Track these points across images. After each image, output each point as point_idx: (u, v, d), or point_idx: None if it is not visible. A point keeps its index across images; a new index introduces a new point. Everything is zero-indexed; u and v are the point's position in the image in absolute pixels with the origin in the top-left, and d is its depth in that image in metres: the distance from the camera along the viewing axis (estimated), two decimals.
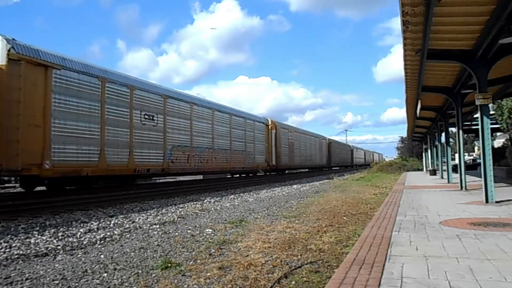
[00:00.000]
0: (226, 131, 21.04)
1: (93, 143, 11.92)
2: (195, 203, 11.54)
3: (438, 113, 17.83)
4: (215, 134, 19.60)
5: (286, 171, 34.05)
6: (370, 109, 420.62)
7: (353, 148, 69.47)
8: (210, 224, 7.44)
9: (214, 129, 19.56)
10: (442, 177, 20.57)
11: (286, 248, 5.04)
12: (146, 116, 14.48)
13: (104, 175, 13.00)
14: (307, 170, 40.97)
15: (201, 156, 18.08)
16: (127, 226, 7.52)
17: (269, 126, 27.43)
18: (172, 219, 8.36)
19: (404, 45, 7.91)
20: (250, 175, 26.40)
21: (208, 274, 4.00)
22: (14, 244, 5.79)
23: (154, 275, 4.11)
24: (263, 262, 4.37)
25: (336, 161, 52.18)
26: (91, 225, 7.53)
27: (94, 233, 6.79)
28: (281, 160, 29.18)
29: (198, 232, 6.59)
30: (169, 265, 4.37)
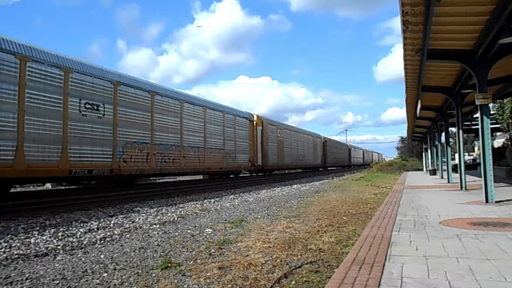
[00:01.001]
0: (199, 126, 18.28)
1: (6, 137, 9.50)
2: (195, 203, 11.54)
3: (438, 113, 17.83)
4: (184, 130, 16.89)
5: (274, 172, 31.55)
6: (371, 109, 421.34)
7: (351, 147, 67.22)
8: (210, 224, 7.44)
9: (183, 123, 16.81)
10: (442, 177, 20.57)
11: (286, 248, 5.04)
12: (88, 106, 11.89)
13: (25, 178, 10.52)
14: (300, 170, 38.77)
15: (165, 155, 15.44)
16: (127, 226, 7.52)
17: (254, 122, 24.66)
18: (172, 219, 8.36)
19: (404, 45, 7.91)
20: (231, 176, 23.90)
21: (208, 274, 4.00)
22: (14, 244, 5.79)
23: (154, 275, 4.11)
24: (263, 262, 4.37)
25: (332, 161, 49.62)
26: (91, 225, 7.53)
27: (94, 233, 6.79)
28: (269, 160, 26.66)
29: (198, 232, 6.59)
30: (169, 265, 4.37)
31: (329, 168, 49.04)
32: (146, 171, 14.60)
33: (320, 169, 44.58)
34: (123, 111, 13.39)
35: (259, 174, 28.09)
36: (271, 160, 27.40)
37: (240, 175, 25.36)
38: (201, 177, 24.20)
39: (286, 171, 35.93)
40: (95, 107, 12.14)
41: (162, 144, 15.37)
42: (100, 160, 12.27)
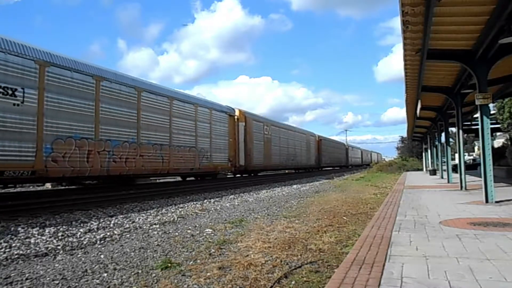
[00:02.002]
0: (163, 120, 15.40)
1: None
2: (195, 203, 11.54)
3: (438, 113, 17.83)
4: (143, 124, 14.04)
5: (261, 173, 28.65)
6: (371, 109, 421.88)
7: (348, 146, 64.61)
8: (210, 224, 7.44)
9: (141, 116, 13.94)
10: (442, 177, 20.57)
11: (286, 248, 5.04)
12: None
13: None
14: (287, 171, 36.01)
15: (115, 153, 12.65)
16: (127, 226, 7.52)
17: (236, 118, 21.88)
18: (172, 219, 8.36)
19: (404, 45, 7.92)
20: (208, 178, 20.85)
21: (208, 274, 4.00)
22: (14, 244, 5.79)
23: (154, 275, 4.11)
24: (263, 262, 4.37)
25: (327, 161, 46.77)
26: (91, 225, 7.53)
27: (94, 233, 6.79)
28: (253, 160, 23.84)
29: (198, 232, 6.59)
30: (169, 265, 4.37)
31: (325, 169, 46.72)
32: (87, 173, 11.68)
33: (314, 169, 41.81)
34: (54, 99, 10.64)
35: (243, 175, 25.44)
36: (256, 159, 24.64)
37: (218, 177, 22.36)
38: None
39: (272, 173, 33.15)
40: (9, 92, 9.42)
41: (110, 140, 12.52)
42: (17, 159, 9.54)
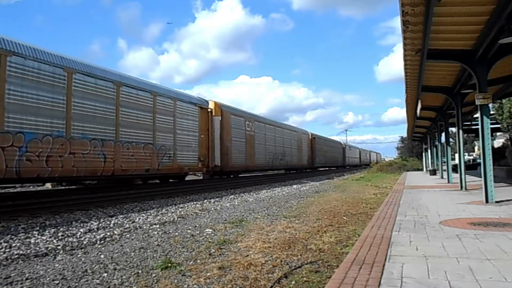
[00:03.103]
0: (106, 110, 12.47)
1: None
2: (195, 203, 11.54)
3: (438, 113, 17.83)
4: (75, 113, 11.25)
5: (242, 175, 24.90)
6: (371, 109, 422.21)
7: (345, 145, 60.98)
8: (210, 224, 7.44)
9: (73, 104, 11.20)
10: (442, 177, 20.57)
11: (286, 248, 5.04)
12: None
13: None
14: (283, 171, 33.56)
15: (30, 150, 9.84)
16: (127, 226, 7.52)
17: (209, 111, 18.90)
18: (172, 219, 8.36)
19: (404, 45, 7.91)
20: (171, 181, 17.86)
21: (208, 274, 4.00)
22: (14, 244, 5.79)
23: (154, 275, 4.11)
24: (263, 262, 4.37)
25: (321, 160, 43.44)
26: (91, 225, 7.53)
27: (94, 233, 6.79)
28: (231, 159, 20.93)
29: (198, 232, 6.59)
30: (169, 265, 4.37)
31: (320, 169, 43.89)
32: None
33: (306, 170, 38.62)
34: None
35: (220, 177, 22.14)
36: (236, 159, 21.64)
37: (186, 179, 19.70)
38: (201, 177, 23.38)
39: (258, 174, 29.81)
40: None
41: (23, 132, 9.76)
42: None
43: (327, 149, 46.83)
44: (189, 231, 6.72)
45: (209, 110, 19.02)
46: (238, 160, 22.05)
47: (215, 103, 19.98)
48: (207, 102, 19.30)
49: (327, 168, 48.03)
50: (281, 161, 29.93)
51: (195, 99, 18.23)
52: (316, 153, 40.65)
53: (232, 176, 22.86)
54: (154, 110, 14.77)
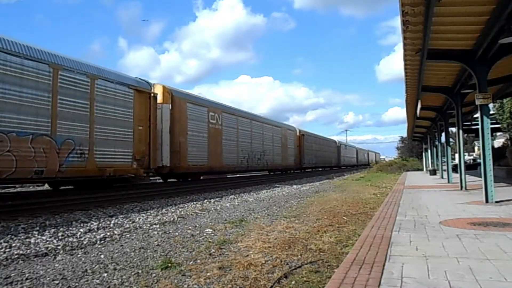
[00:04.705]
0: None
1: None
2: (195, 203, 11.54)
3: (438, 113, 17.83)
4: None
5: (203, 177, 20.86)
6: (372, 108, 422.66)
7: (340, 144, 56.22)
8: (210, 224, 7.44)
9: None
10: (442, 177, 20.57)
11: (286, 248, 5.04)
12: None
13: None
14: (266, 173, 30.40)
15: None
16: (127, 226, 7.52)
17: (152, 96, 14.46)
18: (172, 219, 8.36)
19: (404, 45, 7.92)
20: (96, 187, 13.10)
21: (208, 274, 4.00)
22: (14, 244, 5.79)
23: (154, 275, 4.11)
24: (263, 262, 4.37)
25: (312, 160, 38.84)
26: (91, 225, 7.53)
27: (94, 233, 6.79)
28: (186, 159, 16.73)
29: (198, 232, 6.59)
30: (169, 265, 4.37)
31: (307, 170, 39.36)
32: None
33: (293, 171, 34.54)
34: None
35: (164, 181, 18.61)
36: (194, 158, 17.45)
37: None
38: (201, 177, 23.01)
39: (254, 174, 26.61)
40: None
41: None
42: None
43: (318, 148, 42.28)
44: (189, 231, 6.72)
45: (152, 95, 14.48)
46: (196, 159, 17.73)
47: (164, 88, 15.92)
48: (148, 84, 14.67)
49: (319, 169, 44.35)
50: (260, 160, 25.44)
51: (128, 79, 13.61)
52: (305, 152, 36.26)
53: (190, 179, 18.79)
54: (54, 89, 10.49)
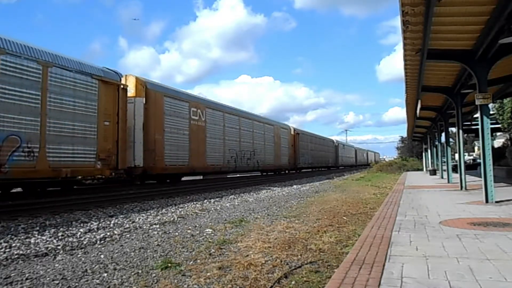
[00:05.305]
0: None
1: None
2: (195, 203, 11.54)
3: (438, 113, 17.83)
4: None
5: (185, 178, 19.50)
6: (372, 108, 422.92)
7: (338, 144, 54.66)
8: (210, 224, 7.44)
9: None
10: (442, 177, 20.57)
11: (286, 248, 5.04)
12: None
13: None
14: (261, 173, 29.08)
15: None
16: (127, 226, 7.52)
17: (121, 88, 12.96)
18: (172, 219, 8.36)
19: (404, 45, 7.92)
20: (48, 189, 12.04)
21: (208, 274, 4.00)
22: (14, 244, 5.79)
23: (154, 275, 4.11)
24: (263, 262, 4.37)
25: (307, 160, 37.44)
26: (91, 225, 7.53)
27: (94, 233, 6.79)
28: (162, 158, 15.24)
29: (198, 232, 6.59)
30: (169, 265, 4.37)
31: (304, 171, 38.04)
32: None
33: (287, 171, 33.09)
34: None
35: (141, 183, 16.00)
36: (172, 158, 15.97)
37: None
38: (201, 177, 22.65)
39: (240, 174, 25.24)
40: None
41: None
42: None
43: (314, 147, 40.72)
44: (189, 231, 6.72)
45: (121, 86, 13.00)
46: (175, 159, 16.19)
47: (137, 79, 14.34)
48: (117, 74, 13.08)
49: (314, 169, 42.70)
50: (250, 160, 23.93)
51: (92, 68, 11.98)
52: (300, 151, 34.87)
53: (169, 181, 17.01)
54: None
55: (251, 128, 24.66)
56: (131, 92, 13.95)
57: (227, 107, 22.28)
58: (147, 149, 14.34)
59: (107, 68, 12.85)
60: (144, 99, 14.43)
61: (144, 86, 14.54)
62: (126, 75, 14.18)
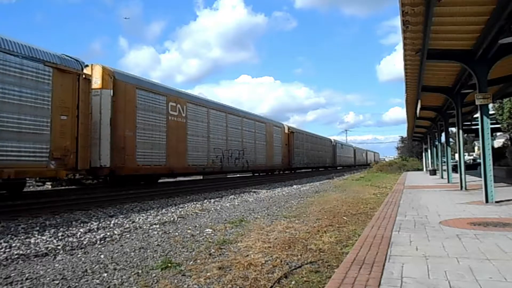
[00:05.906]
0: None
1: None
2: (195, 203, 11.54)
3: (438, 113, 17.83)
4: None
5: (161, 180, 18.36)
6: (373, 108, 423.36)
7: (336, 143, 52.87)
8: (210, 224, 7.44)
9: None
10: (442, 177, 20.57)
11: (286, 248, 5.04)
12: None
13: None
14: (251, 174, 27.85)
15: None
16: (127, 226, 7.52)
17: (83, 77, 11.28)
18: (172, 219, 8.36)
19: (404, 45, 7.92)
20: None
21: (208, 274, 4.00)
22: (14, 244, 5.79)
23: (154, 275, 4.11)
24: (263, 262, 4.37)
25: (303, 160, 35.85)
26: (91, 225, 7.53)
27: (94, 233, 6.79)
28: (134, 157, 13.73)
29: (198, 232, 6.59)
30: (169, 265, 4.37)
31: (298, 171, 36.53)
32: None
33: (280, 172, 31.92)
34: None
35: (104, 185, 15.15)
36: (146, 157, 14.40)
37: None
38: (201, 176, 22.63)
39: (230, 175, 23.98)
40: None
41: None
42: None
43: (311, 147, 39.12)
44: (189, 231, 6.72)
45: (83, 76, 11.33)
46: (150, 158, 14.62)
47: (104, 69, 12.77)
48: (78, 63, 11.30)
49: (312, 170, 41.44)
50: (238, 160, 22.42)
51: (44, 54, 10.27)
52: (295, 151, 33.21)
53: (143, 183, 15.58)
54: None
55: (240, 126, 23.06)
56: (97, 83, 12.47)
57: (212, 102, 20.69)
58: (115, 147, 12.83)
59: (65, 55, 11.10)
60: (111, 91, 12.83)
61: (112, 76, 12.93)
62: (92, 64, 12.67)
